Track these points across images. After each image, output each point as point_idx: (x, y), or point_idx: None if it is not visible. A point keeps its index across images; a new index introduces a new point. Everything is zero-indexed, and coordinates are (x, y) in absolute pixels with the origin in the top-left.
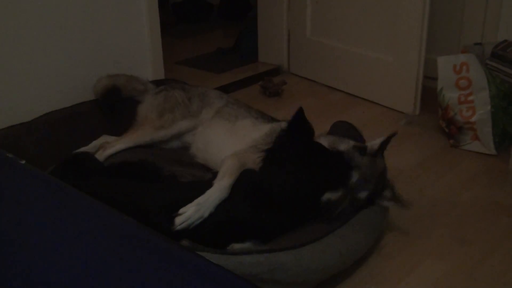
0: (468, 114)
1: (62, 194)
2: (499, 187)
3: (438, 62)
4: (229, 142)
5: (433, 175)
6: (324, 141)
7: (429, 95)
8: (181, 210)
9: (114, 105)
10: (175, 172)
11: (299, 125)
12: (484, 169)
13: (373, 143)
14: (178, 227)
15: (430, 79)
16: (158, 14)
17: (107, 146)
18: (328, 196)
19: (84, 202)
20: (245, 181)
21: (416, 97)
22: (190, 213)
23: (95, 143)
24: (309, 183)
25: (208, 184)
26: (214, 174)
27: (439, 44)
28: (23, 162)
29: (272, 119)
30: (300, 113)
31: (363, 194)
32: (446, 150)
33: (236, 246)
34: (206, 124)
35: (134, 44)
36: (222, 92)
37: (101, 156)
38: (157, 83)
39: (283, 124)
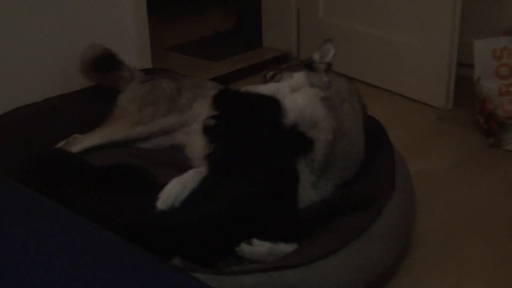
0: (510, 107)
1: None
2: None
3: (474, 47)
4: None
5: (469, 180)
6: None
7: (464, 85)
8: (159, 194)
9: (110, 73)
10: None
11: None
12: None
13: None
14: (162, 206)
15: (465, 66)
16: None
17: (73, 142)
18: None
19: (65, 218)
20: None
21: (448, 88)
22: (171, 186)
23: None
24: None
25: None
26: None
27: (475, 25)
28: None
29: None
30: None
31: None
32: (484, 150)
33: (247, 248)
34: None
35: (116, 27)
36: (219, 85)
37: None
38: (144, 72)
39: None
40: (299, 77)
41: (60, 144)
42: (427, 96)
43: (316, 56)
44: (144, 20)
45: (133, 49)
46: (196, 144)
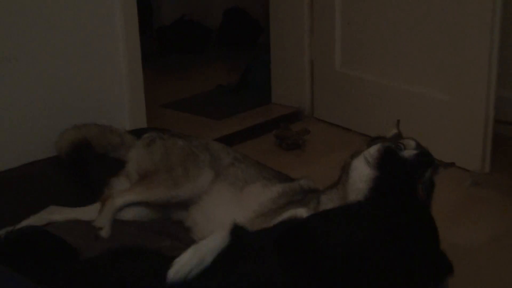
0: None
1: None
2: None
3: None
4: (236, 215)
5: (511, 257)
6: None
7: (504, 146)
8: (175, 260)
9: (84, 165)
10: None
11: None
12: None
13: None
14: (173, 277)
15: (504, 124)
16: (139, 43)
17: (112, 195)
18: None
19: None
20: (281, 228)
21: (484, 148)
22: (187, 257)
23: (42, 215)
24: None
25: None
26: None
27: None
28: None
29: (290, 179)
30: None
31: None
32: None
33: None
34: (206, 189)
35: (107, 82)
36: (228, 147)
37: (108, 211)
38: (137, 133)
39: (303, 182)
40: None
41: (38, 219)
42: (461, 158)
43: None
44: (138, 74)
45: (126, 106)
46: (199, 218)
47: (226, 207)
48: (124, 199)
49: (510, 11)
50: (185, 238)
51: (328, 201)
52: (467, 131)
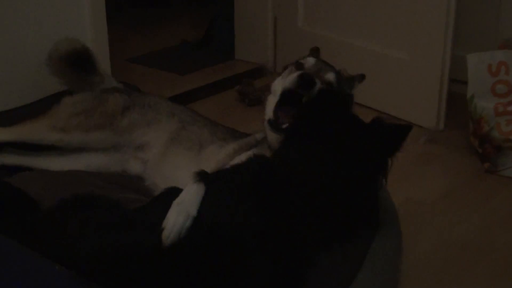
0: (508, 129)
1: None
2: None
3: (468, 61)
4: None
5: (463, 209)
6: None
7: (457, 104)
8: (163, 224)
9: (82, 72)
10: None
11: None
12: None
13: None
14: (169, 241)
15: (458, 83)
16: None
17: None
18: None
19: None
20: (246, 168)
21: (439, 107)
22: (173, 217)
23: None
24: (351, 170)
25: None
26: None
27: (470, 38)
28: None
29: (246, 135)
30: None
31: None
32: (479, 176)
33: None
34: (159, 154)
35: (71, 35)
36: (177, 106)
37: None
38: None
39: (258, 136)
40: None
41: None
42: (416, 115)
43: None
44: (103, 27)
45: None
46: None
47: (183, 171)
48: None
49: None
50: (146, 192)
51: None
52: (423, 90)
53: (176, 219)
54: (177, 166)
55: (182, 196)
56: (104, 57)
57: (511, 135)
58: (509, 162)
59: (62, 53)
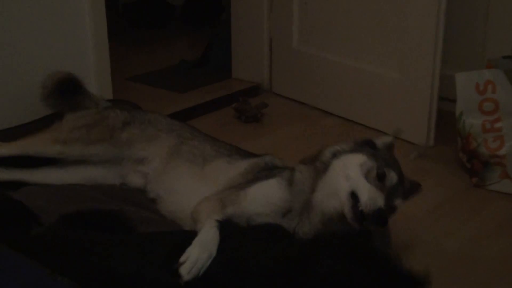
0: (495, 145)
1: None
2: None
3: (456, 80)
4: (201, 190)
5: (452, 222)
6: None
7: (446, 121)
8: (182, 258)
9: (70, 99)
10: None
11: None
12: None
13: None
14: (187, 277)
15: (447, 101)
16: (105, 18)
17: None
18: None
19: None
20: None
21: (429, 124)
22: (196, 255)
23: None
24: None
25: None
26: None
27: (458, 57)
28: None
29: (249, 154)
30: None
31: (398, 201)
32: (468, 190)
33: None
34: (160, 166)
35: (74, 55)
36: (175, 122)
37: None
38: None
39: (268, 159)
40: None
41: None
42: (407, 132)
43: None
44: (104, 47)
45: (93, 78)
46: (162, 193)
47: (188, 183)
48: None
49: None
50: (147, 205)
51: (300, 179)
52: (414, 107)
53: (200, 256)
54: (180, 178)
55: (202, 236)
56: (105, 76)
57: (497, 151)
58: (496, 177)
59: (49, 87)
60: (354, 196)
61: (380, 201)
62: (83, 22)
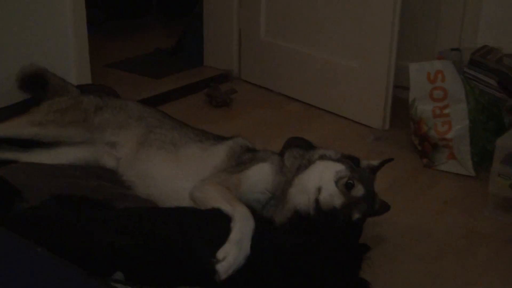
0: (443, 129)
1: None
2: (478, 213)
3: (410, 70)
4: (179, 173)
5: (404, 199)
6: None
7: (400, 107)
8: (219, 254)
9: (36, 89)
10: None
11: None
12: (462, 192)
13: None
14: (224, 276)
15: (402, 89)
16: (84, 8)
17: None
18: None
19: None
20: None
21: (385, 109)
22: (234, 255)
23: None
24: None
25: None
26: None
27: (411, 49)
28: None
29: (216, 136)
30: None
31: (357, 214)
32: (418, 170)
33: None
34: (131, 153)
35: (56, 43)
36: (146, 109)
37: None
38: (82, 88)
39: (240, 141)
40: None
41: None
42: (365, 117)
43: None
44: (83, 36)
45: (73, 64)
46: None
47: (163, 168)
48: None
49: None
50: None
51: (288, 170)
52: (371, 94)
53: (237, 257)
54: (155, 165)
55: (239, 232)
56: (84, 63)
57: (445, 134)
58: (444, 158)
59: (18, 80)
60: (319, 191)
61: (337, 201)
62: (64, 12)
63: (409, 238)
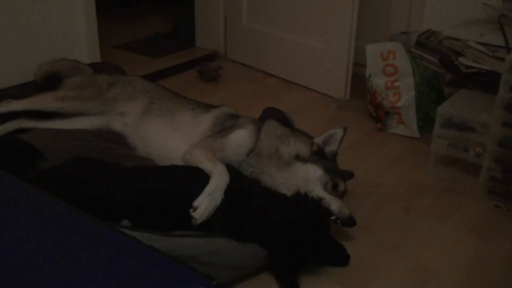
0: (394, 99)
1: None
2: (421, 167)
3: (366, 50)
4: (173, 135)
5: (361, 157)
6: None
7: (359, 81)
8: (195, 203)
9: (54, 84)
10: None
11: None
12: (408, 151)
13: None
14: (200, 221)
15: (360, 65)
16: None
17: (2, 105)
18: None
19: (17, 188)
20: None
21: (346, 83)
22: (206, 204)
23: (15, 122)
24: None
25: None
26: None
27: (368, 32)
28: None
29: (206, 105)
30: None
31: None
32: (374, 133)
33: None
34: (136, 120)
35: (69, 26)
36: (149, 84)
37: None
38: (93, 66)
39: (225, 109)
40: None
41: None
42: (329, 89)
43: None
44: (93, 20)
45: (84, 45)
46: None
47: (160, 131)
48: (7, 108)
49: None
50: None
51: (264, 137)
52: (334, 70)
53: (208, 206)
54: (152, 128)
55: (213, 185)
56: (94, 44)
57: (396, 103)
58: (394, 123)
59: (40, 77)
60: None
61: (346, 210)
62: (76, 1)
63: (365, 189)
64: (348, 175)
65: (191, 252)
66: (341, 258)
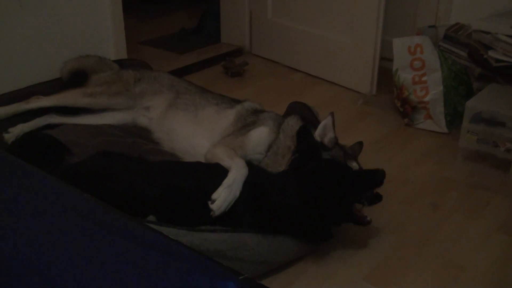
0: (421, 94)
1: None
2: (449, 163)
3: (393, 44)
4: (197, 131)
5: (388, 152)
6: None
7: (385, 75)
8: (214, 196)
9: (80, 81)
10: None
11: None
12: (436, 146)
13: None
14: (218, 212)
15: (386, 60)
16: None
17: (32, 101)
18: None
19: (46, 182)
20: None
21: (373, 77)
22: (225, 196)
23: (44, 118)
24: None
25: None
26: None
27: (395, 26)
28: None
29: (231, 100)
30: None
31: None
32: (400, 128)
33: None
34: (161, 114)
35: (96, 23)
36: (175, 78)
37: (19, 107)
38: (119, 62)
39: (247, 105)
40: None
41: (21, 104)
42: (356, 84)
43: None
44: (120, 17)
45: (111, 42)
46: (162, 134)
47: (184, 126)
48: (37, 104)
49: None
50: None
51: (284, 134)
52: (361, 65)
53: (226, 198)
54: (178, 122)
55: (231, 179)
56: (121, 41)
57: (423, 98)
58: (422, 118)
59: (66, 74)
60: None
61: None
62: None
63: (392, 185)
64: (357, 148)
65: (217, 247)
66: (373, 180)
